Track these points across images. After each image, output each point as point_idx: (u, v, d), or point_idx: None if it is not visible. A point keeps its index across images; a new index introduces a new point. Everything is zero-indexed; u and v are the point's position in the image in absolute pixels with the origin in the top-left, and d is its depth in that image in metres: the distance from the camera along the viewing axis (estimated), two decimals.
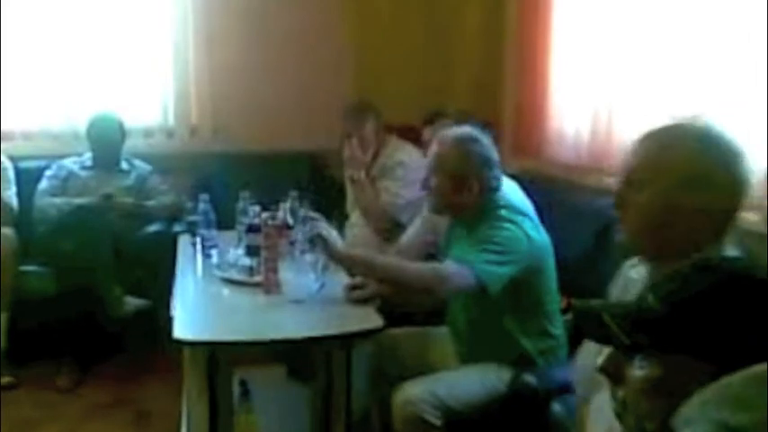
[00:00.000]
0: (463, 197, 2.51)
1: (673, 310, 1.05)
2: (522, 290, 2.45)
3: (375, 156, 3.78)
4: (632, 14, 3.21)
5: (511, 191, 2.64)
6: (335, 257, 2.55)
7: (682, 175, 1.54)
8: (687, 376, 0.97)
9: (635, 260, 1.73)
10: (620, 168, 1.64)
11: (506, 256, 2.38)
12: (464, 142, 2.55)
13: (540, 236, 2.50)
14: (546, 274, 2.53)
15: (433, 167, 2.56)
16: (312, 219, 2.63)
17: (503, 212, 2.47)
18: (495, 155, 2.55)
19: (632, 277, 1.75)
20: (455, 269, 2.38)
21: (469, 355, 2.60)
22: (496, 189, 2.54)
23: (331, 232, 2.54)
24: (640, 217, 1.63)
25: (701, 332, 1.02)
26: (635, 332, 1.07)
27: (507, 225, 2.43)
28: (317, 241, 2.54)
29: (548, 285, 2.54)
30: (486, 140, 2.56)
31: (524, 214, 2.50)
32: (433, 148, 2.61)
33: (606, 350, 1.14)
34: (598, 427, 1.70)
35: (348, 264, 2.62)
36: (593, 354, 1.81)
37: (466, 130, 2.62)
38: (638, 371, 1.06)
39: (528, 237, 2.43)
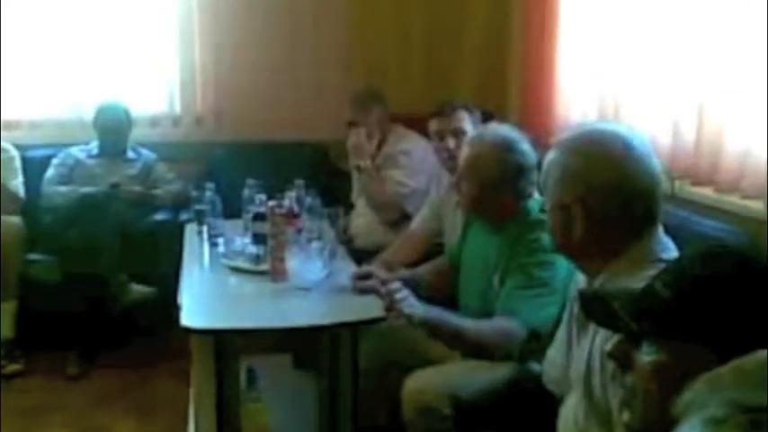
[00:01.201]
0: (494, 205, 2.46)
1: (678, 296, 1.06)
2: None
3: (380, 145, 3.78)
4: (639, 4, 3.20)
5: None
6: (413, 323, 2.37)
7: (591, 184, 1.57)
8: (693, 362, 0.98)
9: None
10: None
11: (551, 292, 2.31)
12: (500, 150, 2.44)
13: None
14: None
15: (464, 171, 2.49)
16: (385, 283, 2.43)
17: (539, 234, 2.29)
18: (532, 160, 2.42)
19: (579, 279, 1.77)
20: (517, 328, 2.31)
21: None
22: (530, 196, 2.45)
23: (407, 296, 2.33)
24: (549, 229, 1.68)
25: (707, 319, 1.03)
26: (642, 318, 1.08)
27: (550, 257, 2.27)
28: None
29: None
30: (525, 146, 2.45)
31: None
32: (466, 150, 2.52)
33: (615, 336, 1.15)
34: (565, 428, 1.71)
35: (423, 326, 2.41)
36: (560, 347, 1.83)
37: (504, 133, 2.50)
38: (645, 356, 1.07)
39: (560, 268, 2.29)
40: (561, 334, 1.83)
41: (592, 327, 1.57)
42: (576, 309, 1.69)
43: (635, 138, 1.60)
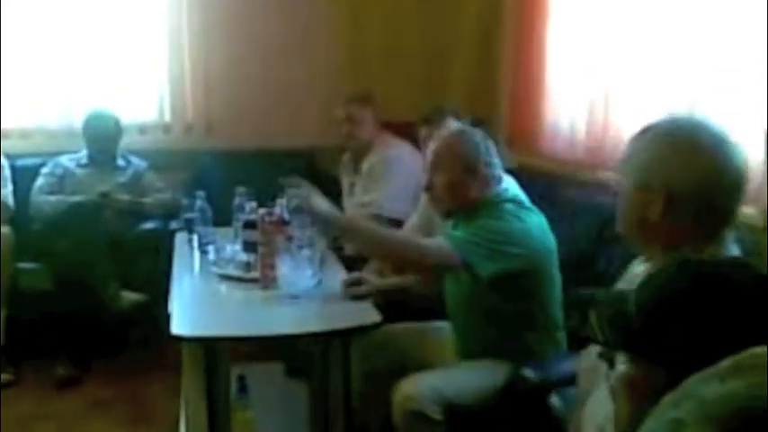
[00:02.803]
0: (468, 191, 2.48)
1: (647, 319, 1.05)
2: (522, 288, 2.45)
3: (367, 150, 3.81)
4: (628, 7, 3.22)
5: (505, 185, 2.63)
6: (317, 218, 2.52)
7: (678, 173, 1.56)
8: (654, 383, 0.98)
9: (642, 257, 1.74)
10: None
11: (502, 247, 2.36)
12: (460, 135, 2.57)
13: (546, 234, 2.49)
14: (549, 273, 2.51)
15: (432, 166, 2.54)
16: (291, 185, 2.60)
17: (509, 206, 2.45)
18: (491, 146, 2.54)
19: (635, 272, 1.76)
20: (440, 245, 2.39)
21: (469, 351, 2.60)
22: (499, 180, 2.52)
23: (312, 193, 2.51)
24: (621, 207, 1.66)
25: (671, 344, 1.02)
26: (613, 333, 1.08)
27: (510, 218, 2.41)
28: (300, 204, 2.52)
29: (551, 284, 2.53)
30: (479, 133, 2.56)
31: (532, 210, 2.49)
32: (430, 148, 2.59)
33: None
34: (594, 418, 1.71)
35: (331, 225, 2.57)
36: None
37: (457, 126, 2.65)
38: (620, 365, 1.07)
39: (530, 234, 2.41)
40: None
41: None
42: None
43: (726, 134, 1.58)
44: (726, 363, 0.88)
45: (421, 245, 2.50)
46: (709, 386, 0.86)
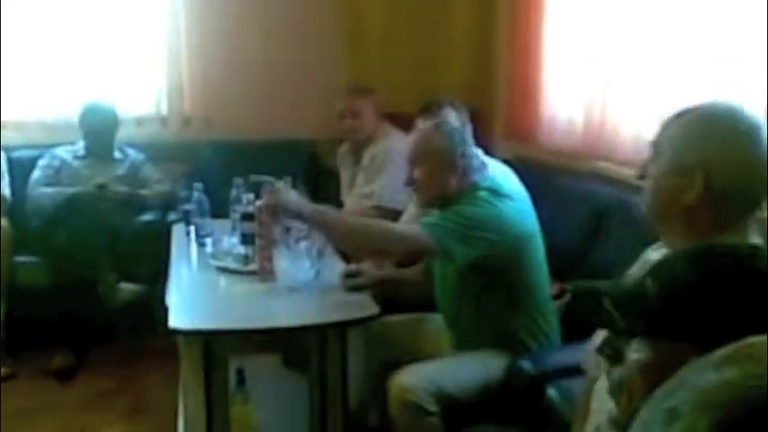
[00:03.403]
0: (447, 182, 2.51)
1: (669, 298, 1.05)
2: (502, 274, 2.47)
3: (368, 142, 3.80)
4: (627, 1, 3.21)
5: (503, 175, 2.64)
6: (287, 213, 2.55)
7: (718, 156, 1.54)
8: (680, 360, 0.97)
9: (659, 243, 1.72)
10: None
11: (473, 231, 2.38)
12: (437, 126, 2.62)
13: (524, 220, 2.51)
14: (530, 259, 2.53)
15: (413, 159, 2.58)
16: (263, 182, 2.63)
17: (482, 194, 2.47)
18: (468, 136, 2.59)
19: (650, 259, 1.74)
20: (414, 232, 2.43)
21: (462, 342, 2.61)
22: (479, 169, 2.54)
23: (282, 188, 2.57)
24: (652, 190, 1.64)
25: (695, 321, 1.02)
26: (631, 317, 1.07)
27: (482, 204, 2.44)
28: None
29: (533, 271, 2.54)
30: (456, 123, 2.66)
31: (508, 197, 2.50)
32: (410, 142, 2.65)
33: (602, 333, 1.15)
34: (601, 406, 1.71)
35: (302, 219, 2.57)
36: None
37: (433, 121, 2.71)
38: (633, 353, 1.07)
39: (505, 220, 2.43)
40: None
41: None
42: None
43: (762, 121, 1.57)
44: (721, 352, 0.88)
45: (395, 232, 2.55)
46: (703, 375, 0.86)
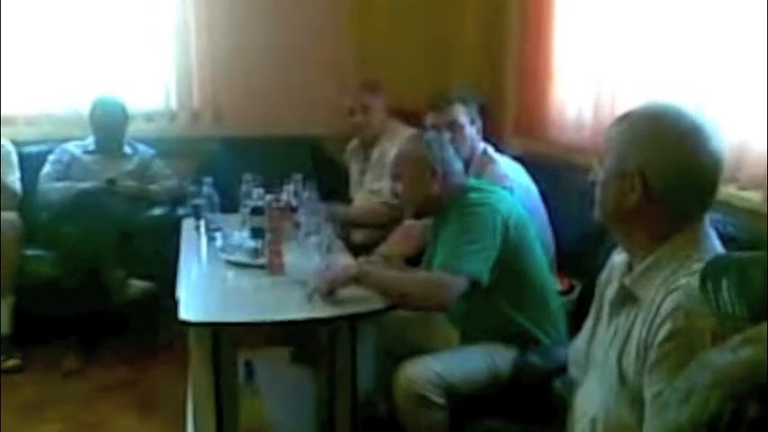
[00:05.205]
0: (432, 186, 2.56)
1: None
2: (506, 266, 2.46)
3: (377, 138, 3.81)
4: None
5: (513, 171, 2.64)
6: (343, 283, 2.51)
7: (656, 158, 1.53)
8: None
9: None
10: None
11: (484, 242, 2.40)
12: (415, 137, 2.71)
13: (515, 207, 2.53)
14: (528, 246, 2.54)
15: (394, 173, 2.66)
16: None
17: (473, 196, 2.50)
18: (445, 143, 2.66)
19: (615, 262, 1.76)
20: (449, 278, 2.39)
21: (470, 336, 2.61)
22: (461, 172, 2.61)
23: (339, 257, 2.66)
24: (599, 195, 1.65)
25: None
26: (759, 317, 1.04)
27: (475, 209, 2.46)
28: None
29: (532, 258, 2.55)
30: (434, 134, 2.74)
31: (495, 191, 2.54)
32: (390, 155, 2.74)
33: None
34: (584, 411, 1.71)
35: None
36: (585, 333, 1.83)
37: (412, 132, 2.85)
38: (725, 352, 1.00)
39: (498, 212, 2.45)
40: (588, 321, 1.83)
41: (626, 311, 1.56)
42: (608, 291, 1.68)
43: (704, 119, 1.57)
44: (738, 336, 0.88)
45: (437, 283, 2.43)
46: (721, 356, 0.86)
